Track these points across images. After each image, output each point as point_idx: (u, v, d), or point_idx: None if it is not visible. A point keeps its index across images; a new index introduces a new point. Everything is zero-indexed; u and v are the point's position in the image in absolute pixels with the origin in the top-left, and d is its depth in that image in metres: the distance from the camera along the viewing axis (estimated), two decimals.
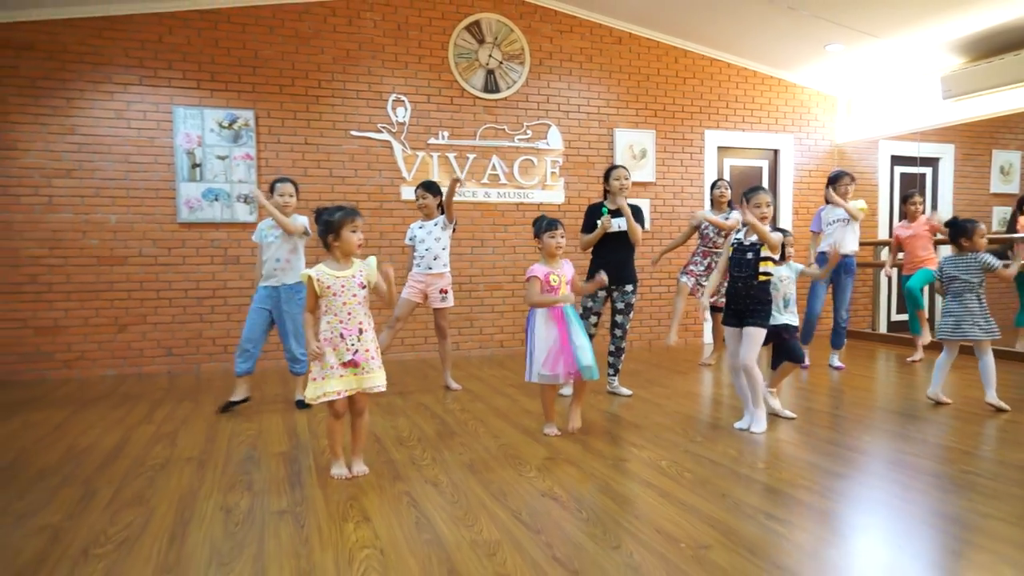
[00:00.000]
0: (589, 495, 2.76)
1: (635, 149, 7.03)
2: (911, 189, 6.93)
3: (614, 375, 4.59)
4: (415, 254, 4.74)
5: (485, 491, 2.81)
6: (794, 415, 3.99)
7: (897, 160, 8.21)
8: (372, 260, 3.06)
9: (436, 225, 4.69)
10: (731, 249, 3.78)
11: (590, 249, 4.46)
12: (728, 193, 5.55)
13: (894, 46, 6.48)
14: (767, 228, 3.62)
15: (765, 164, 7.72)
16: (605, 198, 4.51)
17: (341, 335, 2.92)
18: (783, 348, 4.10)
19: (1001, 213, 8.42)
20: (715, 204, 5.59)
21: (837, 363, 5.59)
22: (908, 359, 5.96)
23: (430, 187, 4.73)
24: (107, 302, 5.64)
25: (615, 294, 4.43)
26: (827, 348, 6.01)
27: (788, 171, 7.73)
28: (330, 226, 2.97)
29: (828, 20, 6.10)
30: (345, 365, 2.92)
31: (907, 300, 5.85)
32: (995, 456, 3.22)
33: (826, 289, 5.65)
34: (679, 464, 3.13)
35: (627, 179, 4.36)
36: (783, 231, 4.26)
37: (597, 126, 6.92)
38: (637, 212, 4.44)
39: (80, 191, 5.55)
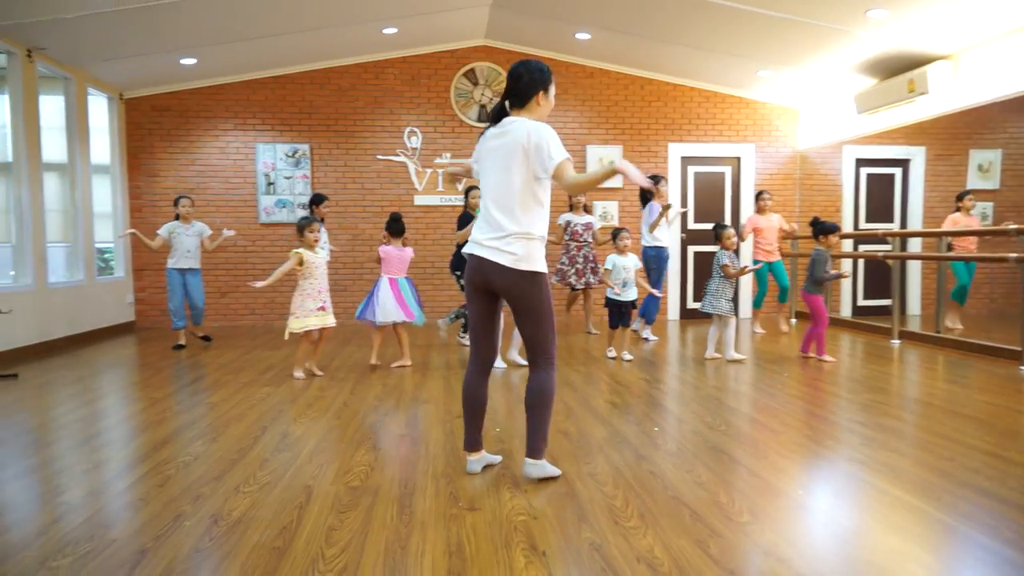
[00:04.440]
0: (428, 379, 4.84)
1: (604, 162, 8.75)
2: (762, 190, 7.90)
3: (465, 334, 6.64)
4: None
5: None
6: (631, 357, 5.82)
7: (863, 162, 9.19)
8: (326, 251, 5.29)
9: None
10: None
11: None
12: (584, 199, 7.32)
13: (813, 71, 7.70)
14: None
15: (728, 170, 9.08)
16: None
17: (319, 291, 5.19)
18: (623, 317, 5.85)
19: (980, 208, 9.10)
20: (573, 209, 7.35)
21: (649, 335, 7.07)
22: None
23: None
24: (215, 277, 8.36)
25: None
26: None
27: (750, 176, 9.04)
28: (299, 229, 5.24)
29: (732, 55, 7.54)
30: (317, 309, 5.17)
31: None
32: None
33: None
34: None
35: (477, 198, 6.13)
36: (620, 228, 5.99)
37: (572, 144, 8.72)
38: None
39: (197, 203, 8.31)
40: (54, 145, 7.11)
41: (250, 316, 8.47)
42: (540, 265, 2.80)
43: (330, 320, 5.25)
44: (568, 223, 7.29)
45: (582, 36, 7.79)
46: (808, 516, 2.58)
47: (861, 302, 9.33)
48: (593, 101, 8.76)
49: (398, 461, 3.20)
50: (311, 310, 5.14)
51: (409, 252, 5.61)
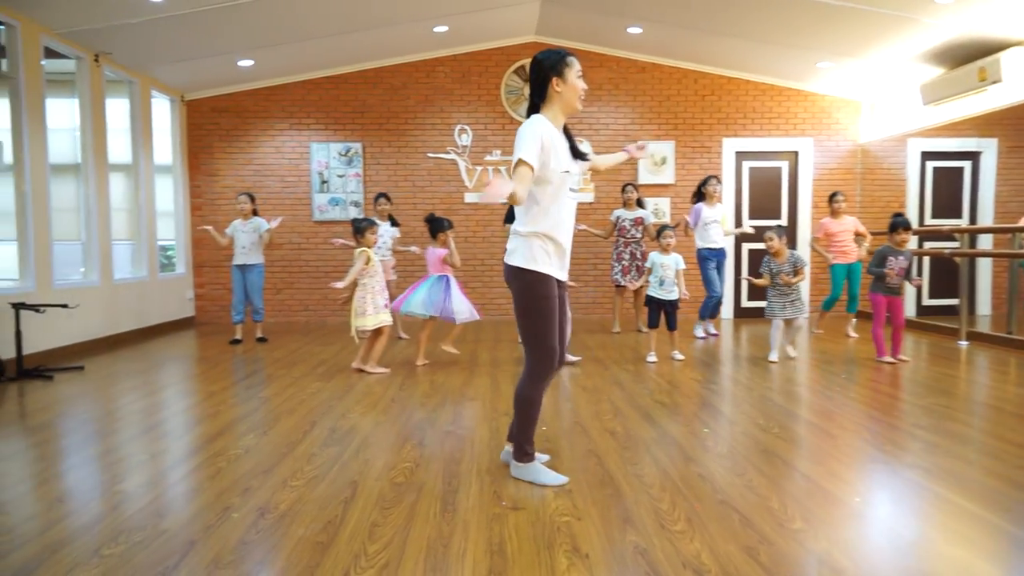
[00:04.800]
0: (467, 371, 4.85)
1: (656, 157, 8.61)
2: (836, 191, 7.13)
3: None
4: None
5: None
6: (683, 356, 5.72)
7: (929, 156, 8.79)
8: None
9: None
10: None
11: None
12: (635, 194, 7.20)
13: (875, 61, 7.40)
14: None
15: (785, 165, 8.82)
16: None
17: (382, 288, 5.31)
18: (667, 317, 5.74)
19: None
20: (626, 204, 7.21)
21: (711, 331, 7.00)
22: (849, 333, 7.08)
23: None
24: (271, 274, 8.53)
25: None
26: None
27: (808, 171, 8.76)
28: (359, 231, 5.31)
29: (790, 46, 7.31)
30: (384, 306, 5.29)
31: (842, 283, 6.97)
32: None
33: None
34: None
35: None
36: (666, 225, 5.89)
37: (624, 139, 8.61)
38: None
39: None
40: (120, 146, 7.38)
41: (304, 312, 8.64)
42: (527, 262, 2.77)
43: (390, 317, 5.39)
44: (618, 218, 7.21)
45: (634, 30, 7.68)
46: (865, 525, 2.47)
47: (927, 301, 8.94)
48: (645, 96, 8.62)
49: (443, 458, 3.20)
50: (381, 307, 5.27)
51: (434, 252, 5.60)
